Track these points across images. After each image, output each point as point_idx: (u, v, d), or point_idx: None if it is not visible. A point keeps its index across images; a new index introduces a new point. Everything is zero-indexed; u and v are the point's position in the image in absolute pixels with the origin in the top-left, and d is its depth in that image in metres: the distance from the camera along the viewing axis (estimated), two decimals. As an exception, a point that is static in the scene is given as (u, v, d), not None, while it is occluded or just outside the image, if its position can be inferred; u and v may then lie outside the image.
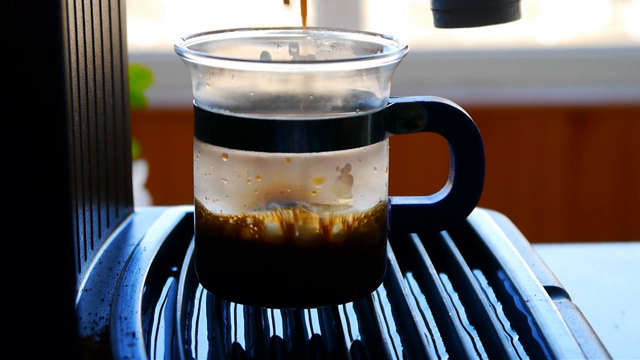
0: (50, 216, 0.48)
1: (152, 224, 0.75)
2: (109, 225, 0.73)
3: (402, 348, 0.62)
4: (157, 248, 0.71)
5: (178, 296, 0.64)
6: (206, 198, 0.63)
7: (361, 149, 0.62)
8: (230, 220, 0.62)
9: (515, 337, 0.63)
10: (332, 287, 0.63)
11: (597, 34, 2.09)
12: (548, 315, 0.62)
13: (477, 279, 0.71)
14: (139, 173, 1.29)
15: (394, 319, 0.66)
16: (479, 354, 0.61)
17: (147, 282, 0.67)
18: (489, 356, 0.61)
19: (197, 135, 0.64)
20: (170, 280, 0.71)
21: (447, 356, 0.61)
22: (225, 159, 0.62)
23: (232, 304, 0.67)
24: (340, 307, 0.66)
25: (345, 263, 0.62)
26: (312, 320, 0.65)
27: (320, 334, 0.64)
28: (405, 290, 0.66)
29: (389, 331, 0.64)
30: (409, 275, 0.73)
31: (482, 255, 0.73)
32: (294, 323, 0.63)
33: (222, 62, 0.61)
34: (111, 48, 0.73)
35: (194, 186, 0.65)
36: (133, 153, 1.08)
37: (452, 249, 0.73)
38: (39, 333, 0.48)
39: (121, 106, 0.76)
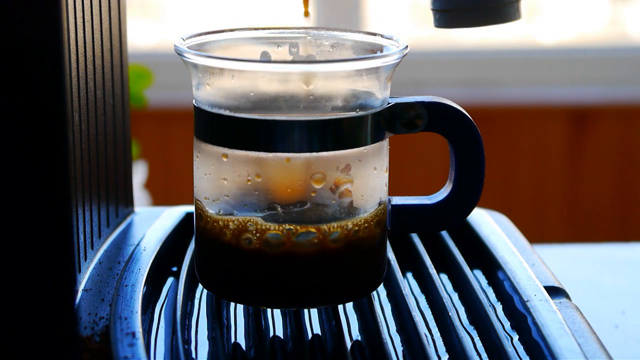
0: (50, 216, 0.48)
1: (152, 224, 0.75)
2: (109, 225, 0.73)
3: (402, 348, 0.62)
4: (157, 248, 0.71)
5: (178, 296, 0.64)
6: (206, 198, 0.63)
7: (361, 149, 0.62)
8: (231, 220, 0.62)
9: (515, 337, 0.63)
10: (332, 287, 0.63)
11: (597, 34, 2.09)
12: (548, 315, 0.62)
13: (477, 279, 0.71)
14: (139, 173, 1.29)
15: (394, 319, 0.66)
16: (479, 354, 0.61)
17: (147, 282, 0.67)
18: (489, 356, 0.61)
19: (197, 135, 0.64)
20: (170, 280, 0.71)
21: (447, 356, 0.61)
22: (225, 159, 0.62)
23: (232, 304, 0.67)
24: (340, 307, 0.66)
25: (345, 263, 0.62)
26: (312, 320, 0.65)
27: (320, 334, 0.64)
28: (405, 290, 0.66)
29: (389, 331, 0.64)
30: (409, 275, 0.73)
31: (482, 255, 0.73)
32: (294, 323, 0.63)
33: (222, 62, 0.61)
34: (111, 48, 0.73)
35: (194, 186, 0.65)
36: (133, 153, 1.08)
37: (452, 249, 0.73)
38: (39, 333, 0.48)
39: (121, 106, 0.76)
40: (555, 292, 0.66)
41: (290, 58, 0.67)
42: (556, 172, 1.95)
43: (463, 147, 0.65)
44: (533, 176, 1.95)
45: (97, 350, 0.59)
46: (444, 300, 0.65)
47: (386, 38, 0.66)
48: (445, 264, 0.73)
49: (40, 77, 0.47)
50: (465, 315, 0.66)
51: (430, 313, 0.67)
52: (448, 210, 0.66)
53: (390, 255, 0.71)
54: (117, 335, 0.59)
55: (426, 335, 0.63)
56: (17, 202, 0.47)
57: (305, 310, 0.66)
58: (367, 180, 0.63)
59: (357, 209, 0.62)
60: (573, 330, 0.61)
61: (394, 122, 0.64)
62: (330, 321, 0.63)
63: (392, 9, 2.09)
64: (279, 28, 0.68)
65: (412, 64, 1.91)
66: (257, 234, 0.61)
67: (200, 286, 0.69)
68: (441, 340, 0.63)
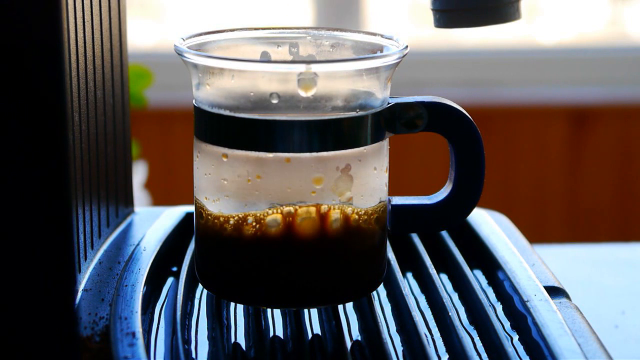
0: (50, 216, 0.48)
1: (152, 224, 0.75)
2: (109, 225, 0.73)
3: (402, 348, 0.62)
4: (157, 248, 0.71)
5: (178, 296, 0.64)
6: (206, 198, 0.63)
7: (361, 149, 0.62)
8: (231, 220, 0.62)
9: (515, 337, 0.63)
10: (332, 287, 0.63)
11: (597, 34, 2.09)
12: (548, 315, 0.62)
13: (477, 279, 0.71)
14: (139, 173, 1.29)
15: (394, 319, 0.66)
16: (479, 354, 0.61)
17: (147, 282, 0.67)
18: (489, 356, 0.61)
19: (197, 135, 0.64)
20: (170, 280, 0.71)
21: (447, 356, 0.61)
22: (225, 159, 0.62)
23: (232, 304, 0.67)
24: (340, 307, 0.66)
25: (345, 263, 0.62)
26: (312, 320, 0.65)
27: (320, 334, 0.64)
28: (405, 290, 0.66)
29: (389, 331, 0.64)
30: (409, 275, 0.73)
31: (482, 255, 0.73)
32: (294, 323, 0.63)
33: (222, 62, 0.61)
34: (111, 48, 0.73)
35: (194, 186, 0.65)
36: (133, 153, 1.08)
37: (452, 249, 0.73)
38: (39, 333, 0.48)
39: (121, 106, 0.76)
40: (555, 292, 0.66)
41: (290, 58, 0.67)
42: (556, 172, 1.95)
43: (463, 147, 0.65)
44: (533, 176, 1.95)
45: (97, 350, 0.59)
46: (444, 300, 0.65)
47: (386, 38, 0.66)
48: (445, 264, 0.73)
49: (40, 77, 0.47)
50: (465, 315, 0.66)
51: (430, 313, 0.67)
52: (448, 210, 0.66)
53: (390, 255, 0.71)
54: (117, 335, 0.59)
55: (426, 335, 0.63)
56: (17, 202, 0.47)
57: (305, 310, 0.66)
58: (367, 180, 0.63)
59: (357, 209, 0.62)
60: (573, 330, 0.61)
61: (394, 122, 0.64)
62: (330, 321, 0.63)
63: (392, 9, 2.09)
64: (279, 28, 0.68)
65: (412, 64, 1.91)
66: (257, 234, 0.61)
67: (200, 286, 0.69)
68: (441, 340, 0.63)
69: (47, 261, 0.48)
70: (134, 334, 0.59)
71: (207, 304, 0.67)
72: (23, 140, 0.47)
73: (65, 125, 0.48)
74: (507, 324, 0.64)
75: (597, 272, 0.86)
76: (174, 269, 0.72)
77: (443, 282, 0.71)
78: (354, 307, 0.67)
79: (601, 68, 1.99)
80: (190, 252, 0.71)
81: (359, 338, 0.64)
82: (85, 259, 0.68)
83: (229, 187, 0.62)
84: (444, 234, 0.75)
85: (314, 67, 0.60)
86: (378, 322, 0.62)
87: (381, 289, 0.70)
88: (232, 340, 0.63)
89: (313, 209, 0.61)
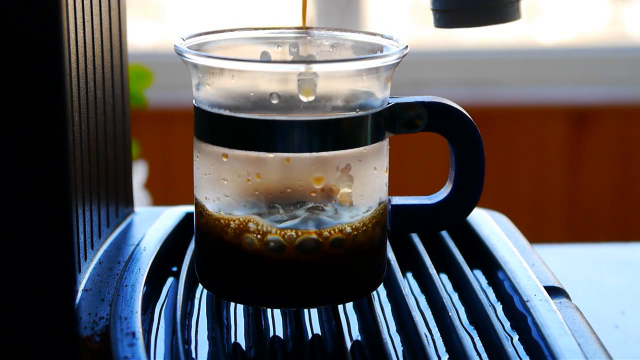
0: (50, 216, 0.48)
1: (152, 224, 0.75)
2: (109, 225, 0.73)
3: (402, 348, 0.62)
4: (157, 248, 0.71)
5: (178, 296, 0.64)
6: (206, 198, 0.63)
7: (361, 149, 0.62)
8: (231, 221, 0.62)
9: (515, 337, 0.63)
10: (332, 287, 0.63)
11: (597, 34, 2.09)
12: (548, 315, 0.62)
13: (477, 279, 0.71)
14: (139, 173, 1.29)
15: (394, 319, 0.66)
16: (479, 354, 0.61)
17: (147, 282, 0.67)
18: (489, 356, 0.61)
19: (197, 135, 0.64)
20: (170, 280, 0.71)
21: (447, 356, 0.61)
22: (225, 159, 0.62)
23: (232, 304, 0.67)
24: (340, 307, 0.66)
25: (345, 263, 0.62)
26: (312, 320, 0.65)
27: (320, 334, 0.64)
28: (405, 290, 0.66)
29: (389, 331, 0.64)
30: (409, 275, 0.73)
31: (482, 255, 0.73)
32: (294, 323, 0.63)
33: (222, 62, 0.61)
34: (111, 48, 0.73)
35: (194, 186, 0.65)
36: (133, 153, 1.08)
37: (452, 249, 0.73)
38: (39, 333, 0.48)
39: (121, 106, 0.76)
40: (555, 292, 0.66)
41: (290, 58, 0.67)
42: (556, 172, 1.95)
43: (463, 147, 0.65)
44: (533, 176, 1.95)
45: (97, 350, 0.59)
46: (444, 300, 0.65)
47: (386, 38, 0.66)
48: (445, 264, 0.73)
49: (40, 77, 0.47)
50: (465, 315, 0.66)
51: (430, 313, 0.67)
52: (448, 210, 0.66)
53: (390, 255, 0.71)
54: (117, 335, 0.59)
55: (426, 335, 0.63)
56: (17, 202, 0.47)
57: (305, 310, 0.66)
58: (367, 180, 0.63)
59: (357, 209, 0.62)
60: (573, 330, 0.61)
61: (394, 122, 0.64)
62: (330, 321, 0.63)
63: (392, 9, 2.09)
64: (279, 28, 0.68)
65: (412, 64, 1.91)
66: (257, 234, 0.61)
67: (200, 286, 0.69)
68: (441, 340, 0.63)
69: (47, 261, 0.48)
70: (134, 334, 0.59)
71: (207, 304, 0.67)
72: (23, 140, 0.47)
73: (65, 125, 0.48)
74: (507, 324, 0.64)
75: (597, 272, 0.86)
76: (174, 269, 0.72)
77: (443, 282, 0.71)
78: (354, 307, 0.67)
79: (601, 68, 1.99)
80: (190, 252, 0.71)
81: (359, 338, 0.64)
82: (85, 259, 0.68)
83: (229, 187, 0.62)
84: (444, 234, 0.75)
85: (314, 67, 0.60)
86: (378, 322, 0.62)
87: (381, 289, 0.70)
88: (232, 340, 0.63)
89: (313, 210, 0.61)
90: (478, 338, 0.63)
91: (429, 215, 0.66)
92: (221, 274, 0.64)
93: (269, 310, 0.66)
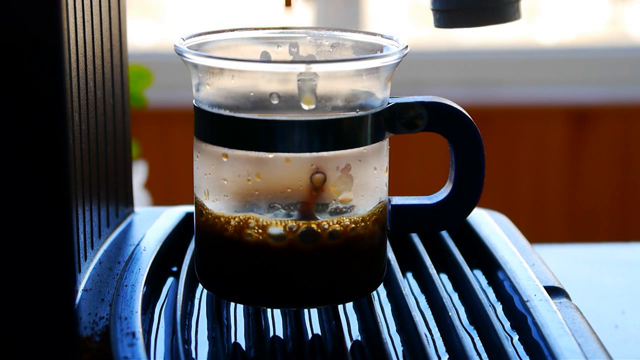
0: (50, 216, 0.48)
1: (152, 224, 0.75)
2: (109, 225, 0.73)
3: (402, 348, 0.62)
4: (157, 248, 0.71)
5: (178, 296, 0.64)
6: (206, 198, 0.63)
7: (361, 149, 0.62)
8: (231, 220, 0.62)
9: (515, 337, 0.63)
10: (332, 287, 0.63)
11: (597, 34, 2.09)
12: (548, 315, 0.62)
13: (477, 279, 0.71)
14: (139, 173, 1.29)
15: (394, 319, 0.66)
16: (479, 354, 0.61)
17: (147, 282, 0.67)
18: (489, 356, 0.61)
19: (197, 135, 0.64)
20: (170, 280, 0.71)
21: (447, 356, 0.61)
22: (225, 159, 0.62)
23: (232, 304, 0.67)
24: (340, 307, 0.66)
25: (345, 263, 0.62)
26: (312, 320, 0.65)
27: (320, 334, 0.64)
28: (405, 290, 0.66)
29: (389, 331, 0.64)
30: (409, 275, 0.73)
31: (482, 255, 0.73)
32: (294, 323, 0.63)
33: (222, 62, 0.61)
34: (111, 48, 0.73)
35: (194, 186, 0.65)
36: (133, 153, 1.08)
37: (452, 249, 0.73)
38: (39, 333, 0.48)
39: (121, 106, 0.76)
40: (555, 292, 0.66)
41: (290, 58, 0.67)
42: (556, 172, 1.95)
43: (463, 147, 0.65)
44: (533, 176, 1.95)
45: (97, 350, 0.59)
46: (444, 300, 0.65)
47: (386, 38, 0.66)
48: (445, 264, 0.73)
49: (40, 77, 0.47)
50: (465, 315, 0.66)
51: (430, 313, 0.67)
52: (448, 210, 0.66)
53: (390, 255, 0.71)
54: (117, 335, 0.59)
55: (426, 335, 0.63)
56: (17, 202, 0.47)
57: (305, 310, 0.66)
58: (367, 180, 0.63)
59: (357, 209, 0.62)
60: (573, 330, 0.61)
61: (394, 122, 0.64)
62: (330, 321, 0.63)
63: (392, 9, 2.09)
64: (279, 28, 0.68)
65: (412, 64, 1.91)
66: (257, 234, 0.61)
67: (200, 286, 0.69)
68: (441, 340, 0.63)
69: (47, 261, 0.48)
70: (134, 334, 0.59)
71: (207, 304, 0.67)
72: (23, 140, 0.47)
73: (65, 125, 0.48)
74: (507, 324, 0.64)
75: (597, 272, 0.86)
76: (174, 269, 0.72)
77: (443, 282, 0.71)
78: (354, 307, 0.67)
79: (601, 68, 1.99)
80: (190, 252, 0.71)
81: (359, 338, 0.64)
82: (85, 259, 0.68)
83: (229, 187, 0.62)
84: (444, 234, 0.75)
85: (314, 67, 0.60)
86: (378, 322, 0.62)
87: (381, 289, 0.70)
88: (232, 340, 0.63)
89: (313, 210, 0.61)
90: (478, 338, 0.63)
91: (429, 215, 0.66)
92: (221, 274, 0.64)
93: (269, 310, 0.66)
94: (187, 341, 0.62)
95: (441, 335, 0.64)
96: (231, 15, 2.08)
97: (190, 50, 0.62)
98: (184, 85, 1.37)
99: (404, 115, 0.64)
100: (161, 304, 0.68)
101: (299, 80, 0.60)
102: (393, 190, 0.67)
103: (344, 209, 0.62)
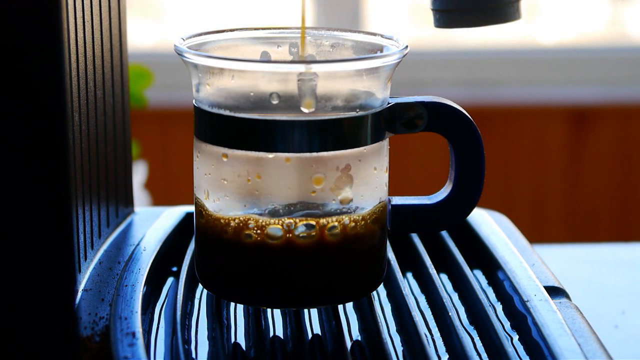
0: (50, 216, 0.48)
1: (152, 224, 0.75)
2: (109, 225, 0.73)
3: (402, 348, 0.62)
4: (157, 248, 0.71)
5: (178, 296, 0.64)
6: (206, 198, 0.63)
7: (361, 149, 0.62)
8: (231, 221, 0.62)
9: (515, 337, 0.63)
10: (332, 287, 0.63)
11: (597, 34, 2.09)
12: (548, 315, 0.62)
13: (477, 279, 0.71)
14: (139, 173, 1.29)
15: (394, 319, 0.66)
16: (479, 354, 0.61)
17: (147, 282, 0.67)
18: (489, 356, 0.61)
19: (197, 135, 0.64)
20: (170, 280, 0.71)
21: (447, 356, 0.61)
22: (225, 159, 0.62)
23: (232, 304, 0.67)
24: (340, 307, 0.66)
25: (345, 263, 0.62)
26: (312, 320, 0.65)
27: (320, 334, 0.64)
28: (405, 290, 0.66)
29: (389, 331, 0.64)
30: (409, 275, 0.73)
31: (482, 255, 0.73)
32: (294, 323, 0.63)
33: (222, 62, 0.61)
34: (111, 48, 0.73)
35: (194, 186, 0.65)
36: (133, 153, 1.08)
37: (452, 249, 0.73)
38: (39, 333, 0.48)
39: (121, 106, 0.76)
40: (555, 292, 0.66)
41: (290, 58, 0.67)
42: (556, 172, 1.95)
43: (463, 147, 0.65)
44: (533, 176, 1.95)
45: (97, 350, 0.59)
46: (444, 300, 0.65)
47: (386, 38, 0.66)
48: (445, 264, 0.73)
49: (40, 77, 0.47)
50: (465, 315, 0.66)
51: (430, 313, 0.67)
52: (448, 210, 0.66)
53: (390, 255, 0.71)
54: (117, 335, 0.59)
55: (426, 335, 0.63)
56: (17, 202, 0.47)
57: (305, 310, 0.66)
58: (367, 180, 0.63)
59: (357, 209, 0.62)
60: (573, 330, 0.61)
61: (394, 122, 0.64)
62: (330, 321, 0.63)
63: (392, 9, 2.09)
64: (279, 28, 0.68)
65: (412, 64, 1.91)
66: (257, 234, 0.61)
67: (200, 286, 0.69)
68: (441, 340, 0.63)
69: (47, 261, 0.48)
70: (134, 334, 0.59)
71: (207, 304, 0.67)
72: (23, 140, 0.47)
73: (65, 125, 0.48)
74: (507, 324, 0.64)
75: (597, 272, 0.86)
76: (174, 269, 0.72)
77: (443, 282, 0.71)
78: (354, 307, 0.67)
79: (601, 68, 1.99)
80: (190, 252, 0.71)
81: (359, 338, 0.64)
82: (85, 259, 0.68)
83: (229, 187, 0.62)
84: (444, 234, 0.75)
85: (314, 67, 0.60)
86: (378, 322, 0.62)
87: (381, 289, 0.70)
88: (232, 340, 0.63)
89: (313, 210, 0.61)
90: (478, 338, 0.63)
91: (429, 215, 0.66)
92: (221, 273, 0.64)
93: (269, 310, 0.66)
94: (187, 341, 0.62)
95: (441, 335, 0.64)
96: (231, 15, 2.08)
97: (190, 50, 0.62)
98: (184, 85, 1.37)
99: (404, 115, 0.64)
100: (161, 304, 0.68)
101: (299, 80, 0.60)
102: (393, 190, 0.67)
103: (344, 209, 0.62)
